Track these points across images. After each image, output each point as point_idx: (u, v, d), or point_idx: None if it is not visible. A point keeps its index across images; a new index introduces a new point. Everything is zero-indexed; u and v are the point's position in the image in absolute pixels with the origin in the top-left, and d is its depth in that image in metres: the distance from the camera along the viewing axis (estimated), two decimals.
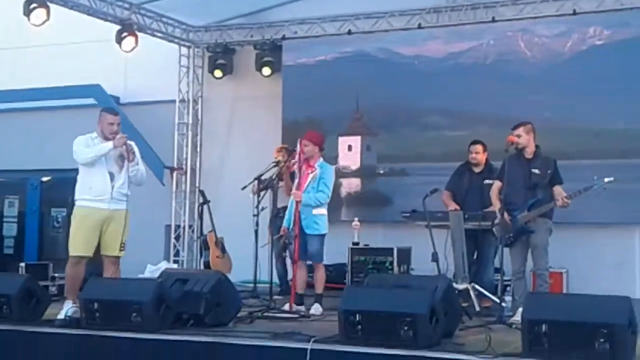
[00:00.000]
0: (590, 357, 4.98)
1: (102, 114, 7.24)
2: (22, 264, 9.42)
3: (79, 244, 7.02)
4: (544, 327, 5.16)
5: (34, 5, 9.51)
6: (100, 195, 7.01)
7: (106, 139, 7.08)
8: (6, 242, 13.26)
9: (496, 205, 7.41)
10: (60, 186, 12.64)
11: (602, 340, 4.97)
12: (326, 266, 8.55)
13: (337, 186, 10.36)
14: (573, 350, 5.05)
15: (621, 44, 9.91)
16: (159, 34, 11.71)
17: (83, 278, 7.10)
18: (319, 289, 7.78)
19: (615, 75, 9.85)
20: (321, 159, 7.92)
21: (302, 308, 7.69)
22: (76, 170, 7.39)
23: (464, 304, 7.39)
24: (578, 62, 10.17)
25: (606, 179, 7.21)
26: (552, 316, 5.23)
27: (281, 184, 8.74)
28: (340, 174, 10.95)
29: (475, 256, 8.49)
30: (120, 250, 7.12)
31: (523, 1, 10.28)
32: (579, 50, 10.20)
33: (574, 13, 9.99)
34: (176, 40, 12.06)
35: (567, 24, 10.20)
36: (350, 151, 11.26)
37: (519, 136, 7.30)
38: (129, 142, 7.17)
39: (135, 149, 7.24)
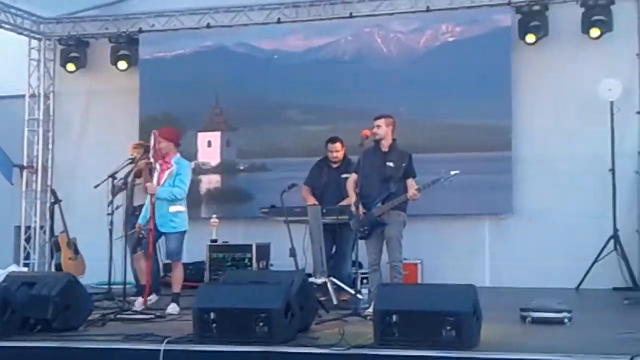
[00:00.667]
0: (438, 344, 5.13)
1: None
2: None
3: None
4: (394, 317, 5.29)
5: None
6: None
7: None
8: None
9: (352, 199, 7.53)
10: None
11: (449, 327, 5.15)
12: (186, 264, 8.51)
13: (196, 183, 10.39)
14: (422, 339, 5.19)
15: (471, 41, 10.33)
16: (7, 26, 11.25)
17: None
18: (177, 287, 7.69)
19: (466, 71, 10.23)
20: (178, 155, 7.83)
21: (153, 297, 7.66)
22: None
23: (323, 298, 7.52)
24: (432, 58, 10.53)
25: (452, 172, 7.50)
26: (402, 306, 5.38)
27: (138, 181, 8.59)
28: (200, 170, 10.97)
29: (333, 250, 8.61)
30: None
31: None
32: (433, 46, 10.56)
33: (428, 10, 10.31)
34: (26, 32, 11.65)
35: (421, 21, 10.52)
36: (209, 147, 11.20)
37: (378, 127, 7.46)
38: None
39: None
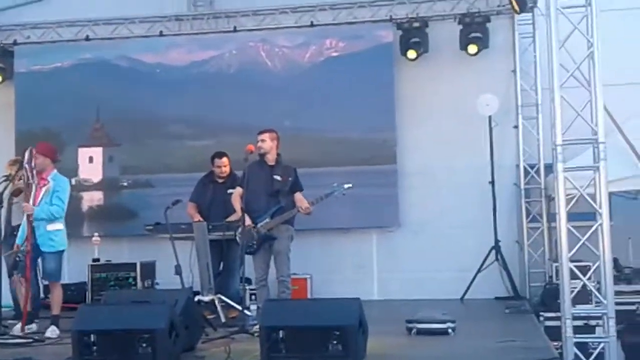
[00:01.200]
0: (325, 359, 5.19)
1: None
2: None
3: None
4: (281, 333, 5.32)
5: None
6: None
7: None
8: None
9: (239, 213, 7.50)
10: None
11: (335, 342, 5.22)
12: (67, 285, 8.29)
13: (77, 200, 10.15)
14: (309, 354, 5.25)
15: (355, 56, 10.47)
16: None
17: None
18: (56, 310, 7.42)
19: (350, 86, 10.37)
20: (55, 171, 7.59)
21: (33, 326, 7.36)
22: None
23: (211, 316, 7.46)
24: (316, 73, 10.63)
25: (345, 185, 7.61)
26: (289, 322, 5.42)
27: (16, 199, 8.27)
28: (81, 187, 10.69)
29: (221, 267, 8.54)
30: None
31: (263, 12, 10.56)
32: (317, 61, 10.66)
33: (312, 25, 10.44)
34: None
35: (306, 36, 10.61)
36: (91, 163, 10.91)
37: (263, 141, 7.48)
38: None
39: None
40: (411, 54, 10.19)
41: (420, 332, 6.53)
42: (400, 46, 10.26)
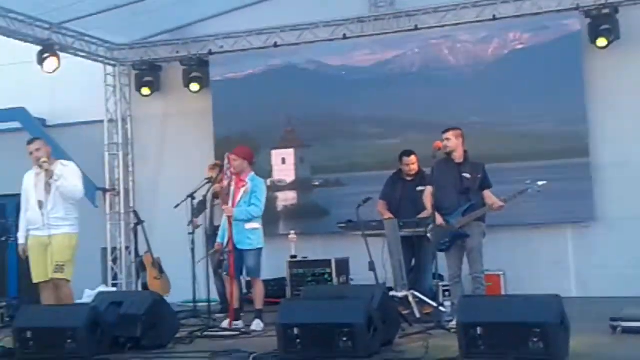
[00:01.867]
0: (526, 356, 5.08)
1: None
2: None
3: (32, 273, 7.42)
4: (479, 329, 5.25)
5: None
6: (34, 225, 7.38)
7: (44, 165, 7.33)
8: None
9: (429, 211, 7.50)
10: None
11: (535, 339, 5.09)
12: (267, 281, 8.57)
13: (273, 200, 10.49)
14: (509, 351, 5.13)
15: (541, 47, 10.14)
16: (82, 53, 11.51)
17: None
18: (259, 304, 7.77)
19: (537, 78, 10.06)
20: (252, 173, 7.93)
21: (240, 323, 7.69)
22: (5, 197, 7.50)
23: (405, 312, 7.47)
24: (501, 66, 10.38)
25: (540, 183, 7.36)
26: (487, 318, 5.34)
27: (217, 201, 8.71)
28: (276, 187, 11.03)
29: (413, 263, 8.59)
30: (55, 271, 7.22)
31: (444, 8, 10.42)
32: (501, 55, 10.41)
33: (494, 18, 10.17)
34: (100, 58, 11.89)
35: (488, 30, 10.40)
36: (284, 164, 11.24)
37: (448, 139, 7.40)
38: (64, 162, 7.56)
39: (65, 168, 7.44)
40: (601, 42, 9.72)
41: (627, 330, 6.20)
42: (589, 35, 9.83)
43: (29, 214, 7.45)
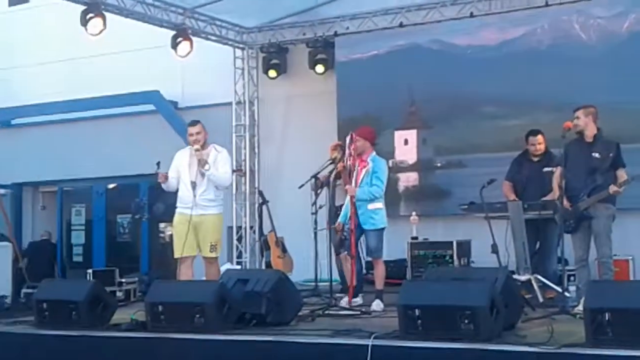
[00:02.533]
0: None
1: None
2: (90, 271, 9.63)
3: (174, 248, 7.80)
4: (607, 315, 5.08)
5: (90, 15, 9.70)
6: (185, 203, 7.73)
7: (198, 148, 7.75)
8: (75, 250, 13.55)
9: (556, 193, 7.34)
10: (126, 193, 12.92)
11: None
12: (387, 262, 8.55)
13: (394, 181, 10.49)
14: (636, 338, 4.95)
15: None
16: (213, 37, 11.83)
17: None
18: (380, 285, 7.79)
19: None
20: (374, 153, 7.95)
21: (359, 299, 7.74)
22: (139, 176, 7.86)
23: (527, 295, 7.36)
24: (636, 43, 9.89)
25: None
26: (616, 304, 5.16)
27: (339, 182, 8.77)
28: (397, 168, 11.03)
29: (537, 246, 8.40)
30: (210, 251, 7.70)
31: None
32: (637, 31, 9.92)
33: None
34: (230, 42, 12.18)
35: (624, 5, 10.00)
36: (406, 145, 11.23)
37: (577, 118, 7.24)
38: (219, 148, 7.96)
39: (219, 154, 7.83)
40: None
41: None
42: None
43: (180, 192, 7.80)
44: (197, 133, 7.74)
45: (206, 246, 7.72)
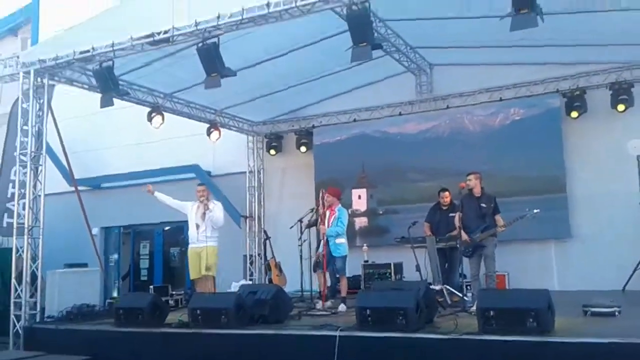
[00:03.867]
0: (524, 331, 4.91)
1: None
2: (151, 287, 9.47)
3: (190, 272, 7.79)
4: (492, 312, 5.12)
5: (154, 114, 9.76)
6: (192, 239, 7.72)
7: (203, 202, 7.76)
8: (142, 272, 13.28)
9: (457, 230, 7.36)
10: (176, 233, 12.75)
11: (531, 320, 4.94)
12: (348, 278, 8.46)
13: (352, 223, 10.42)
14: (513, 328, 4.97)
15: (532, 118, 9.81)
16: (234, 128, 11.78)
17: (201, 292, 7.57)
18: (343, 293, 7.71)
19: (530, 139, 9.71)
20: (339, 205, 7.92)
21: (329, 303, 7.63)
22: (184, 222, 7.87)
23: (440, 299, 7.27)
24: (504, 131, 10.05)
25: (535, 210, 7.17)
26: (498, 305, 5.19)
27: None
28: (354, 214, 10.95)
29: (446, 266, 8.36)
30: (206, 270, 7.53)
31: (467, 93, 10.27)
32: (505, 124, 10.08)
33: (500, 100, 9.98)
34: (245, 131, 12.12)
35: (496, 107, 10.11)
36: (359, 199, 11.16)
37: (470, 180, 7.28)
38: (215, 202, 7.86)
39: (215, 205, 7.77)
40: (574, 114, 9.41)
41: (594, 314, 5.93)
42: (566, 109, 9.52)
43: (189, 232, 7.80)
44: (203, 190, 7.87)
45: (204, 267, 7.61)
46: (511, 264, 9.05)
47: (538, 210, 7.12)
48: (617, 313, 5.90)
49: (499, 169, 9.75)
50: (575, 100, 9.42)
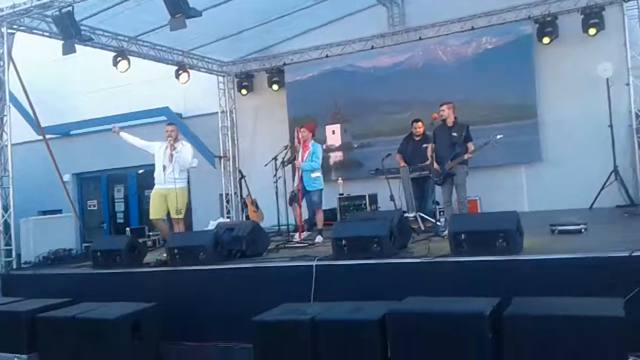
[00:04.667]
0: (494, 252, 5.01)
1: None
2: (128, 228, 9.46)
3: (150, 212, 7.71)
4: (463, 235, 5.19)
5: (119, 58, 9.46)
6: (158, 180, 7.60)
7: (172, 142, 7.47)
8: (118, 215, 13.26)
9: (430, 160, 7.40)
10: (149, 176, 12.57)
11: (500, 240, 5.02)
12: (325, 210, 8.54)
13: (327, 158, 10.49)
14: (483, 249, 5.06)
15: (505, 46, 9.76)
16: (203, 69, 11.58)
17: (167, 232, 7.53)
18: (320, 225, 7.76)
19: (502, 67, 9.69)
20: (313, 141, 7.88)
21: (305, 234, 7.68)
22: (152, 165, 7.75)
23: (414, 226, 7.41)
24: (477, 60, 10.00)
25: (498, 136, 7.18)
26: (469, 228, 5.26)
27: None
28: (329, 149, 10.97)
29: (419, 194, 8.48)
30: (176, 214, 7.42)
31: (439, 23, 10.13)
32: (478, 52, 10.02)
33: (473, 28, 9.90)
34: (214, 72, 11.93)
35: (469, 36, 10.03)
36: (334, 134, 11.14)
37: (443, 110, 7.25)
38: (184, 142, 7.67)
39: (182, 146, 7.60)
40: (545, 40, 9.39)
41: (561, 232, 6.07)
42: (537, 35, 9.48)
43: (155, 173, 7.65)
44: (172, 131, 7.65)
45: (173, 210, 7.51)
46: (483, 189, 9.22)
47: (501, 136, 7.15)
48: (583, 230, 6.05)
49: (473, 97, 9.74)
50: (547, 26, 9.37)
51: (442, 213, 7.75)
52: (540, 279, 4.61)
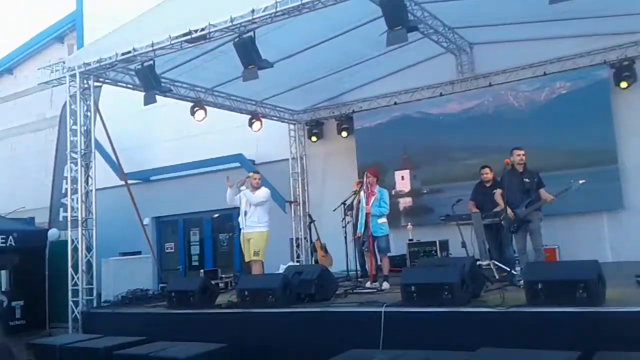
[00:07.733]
0: (573, 303, 4.77)
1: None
2: (202, 270, 9.68)
3: (245, 255, 7.96)
4: (539, 285, 4.99)
5: (196, 108, 9.94)
6: (241, 225, 7.92)
7: (253, 188, 7.89)
8: (193, 258, 13.55)
9: (502, 206, 7.19)
10: (224, 220, 12.96)
11: (580, 291, 4.78)
12: (394, 256, 8.40)
13: (396, 204, 10.43)
14: (561, 300, 4.83)
15: (580, 91, 9.49)
16: (275, 118, 11.89)
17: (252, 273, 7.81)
18: (386, 271, 7.64)
19: (578, 112, 9.40)
20: (378, 186, 7.81)
21: (376, 284, 7.56)
22: (232, 209, 8.06)
23: (488, 275, 7.16)
24: (551, 106, 9.74)
25: (580, 181, 6.89)
26: (546, 277, 5.06)
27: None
28: (398, 195, 10.91)
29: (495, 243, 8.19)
30: (254, 255, 7.59)
31: (509, 70, 10.01)
32: (551, 98, 9.78)
33: (544, 74, 9.70)
34: (286, 120, 12.21)
35: (541, 82, 9.82)
36: (403, 180, 11.09)
37: (518, 155, 7.09)
38: (263, 188, 8.10)
39: (258, 190, 7.96)
40: (623, 84, 9.07)
41: None
42: (614, 80, 9.15)
43: (239, 218, 7.99)
44: (259, 178, 8.04)
45: (251, 252, 7.76)
46: (562, 237, 8.82)
47: (584, 181, 6.86)
48: None
49: (548, 143, 9.46)
50: (624, 71, 9.06)
51: (517, 261, 7.43)
52: (625, 333, 4.32)
